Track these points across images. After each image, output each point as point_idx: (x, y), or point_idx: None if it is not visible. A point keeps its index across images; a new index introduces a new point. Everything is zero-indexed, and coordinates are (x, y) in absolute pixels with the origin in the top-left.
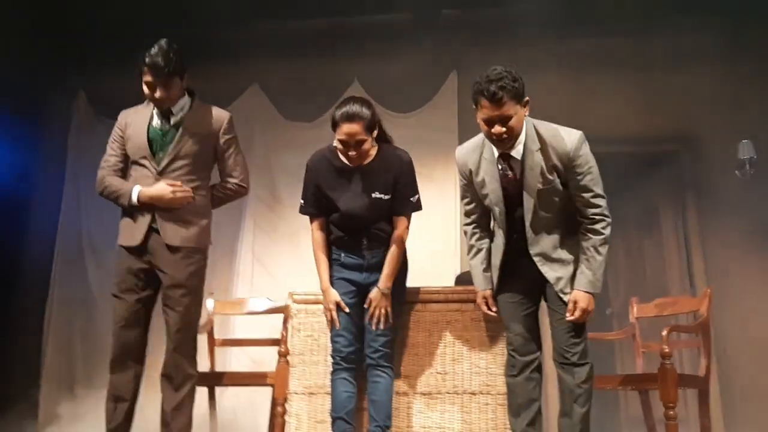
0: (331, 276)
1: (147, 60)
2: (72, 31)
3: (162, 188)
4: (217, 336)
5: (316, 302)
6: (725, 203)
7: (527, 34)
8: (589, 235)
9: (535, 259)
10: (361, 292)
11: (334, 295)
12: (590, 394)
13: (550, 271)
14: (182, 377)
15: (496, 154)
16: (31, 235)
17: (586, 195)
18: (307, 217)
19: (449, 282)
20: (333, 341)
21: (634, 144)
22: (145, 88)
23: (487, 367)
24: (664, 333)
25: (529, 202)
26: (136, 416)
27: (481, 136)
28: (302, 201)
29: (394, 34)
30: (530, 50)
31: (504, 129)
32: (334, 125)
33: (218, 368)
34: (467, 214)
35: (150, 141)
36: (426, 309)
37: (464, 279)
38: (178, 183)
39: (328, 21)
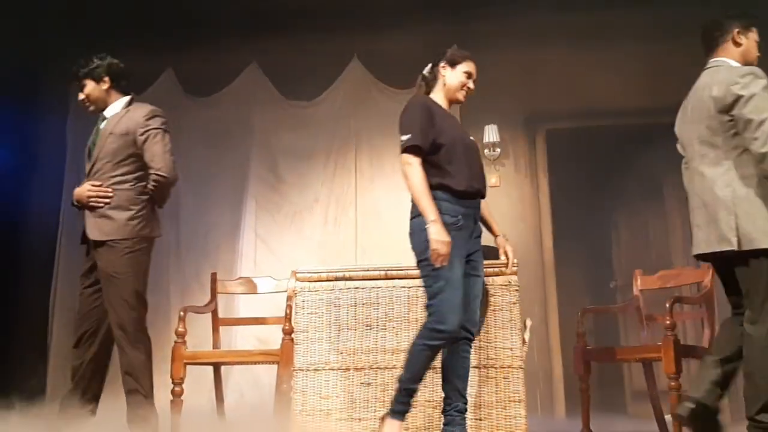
0: None
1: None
2: (68, 11)
3: (80, 190)
4: (221, 315)
5: (319, 280)
6: None
7: (530, 7)
8: None
9: None
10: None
11: (446, 234)
12: None
13: None
14: (132, 338)
15: None
16: (35, 216)
17: None
18: (307, 198)
19: None
20: (444, 316)
21: (636, 116)
22: None
23: (496, 341)
24: (668, 304)
25: None
26: (108, 413)
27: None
28: (409, 135)
29: (394, 9)
30: (534, 23)
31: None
32: (455, 62)
33: (223, 347)
34: None
35: (90, 146)
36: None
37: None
38: (98, 183)
39: None
